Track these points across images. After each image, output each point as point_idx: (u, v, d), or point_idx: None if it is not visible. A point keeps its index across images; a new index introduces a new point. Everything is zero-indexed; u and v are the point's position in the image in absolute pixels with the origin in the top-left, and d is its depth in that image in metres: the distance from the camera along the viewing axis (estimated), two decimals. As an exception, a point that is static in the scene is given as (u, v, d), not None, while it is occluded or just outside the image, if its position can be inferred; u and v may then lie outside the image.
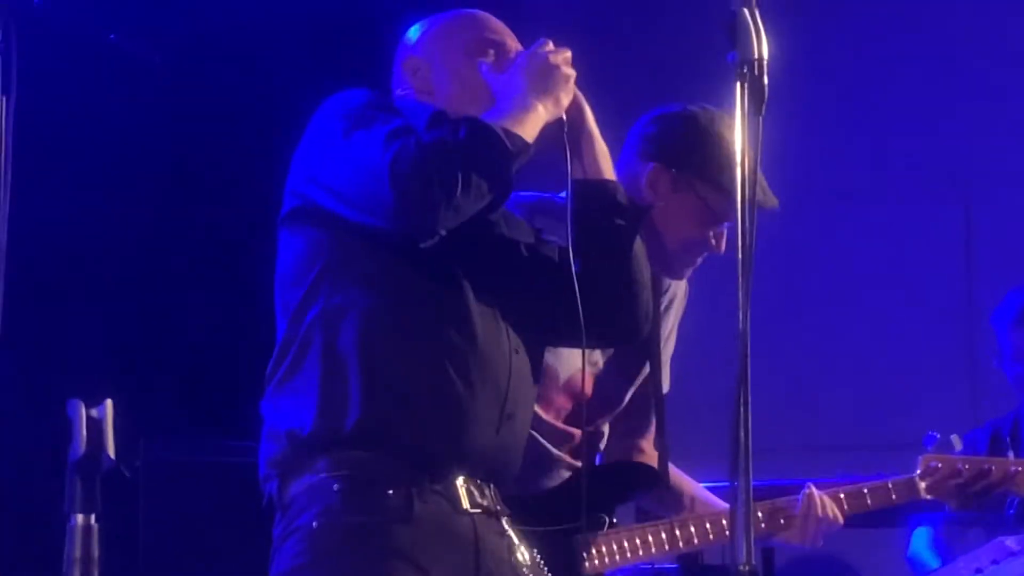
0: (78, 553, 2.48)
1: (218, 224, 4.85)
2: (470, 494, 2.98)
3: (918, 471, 3.65)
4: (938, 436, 3.68)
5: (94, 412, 2.49)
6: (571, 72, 3.07)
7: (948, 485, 3.66)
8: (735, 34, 2.49)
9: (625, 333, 3.26)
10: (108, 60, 3.81)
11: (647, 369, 3.61)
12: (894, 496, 3.66)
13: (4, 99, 2.74)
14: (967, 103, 6.07)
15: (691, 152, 3.52)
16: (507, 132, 2.88)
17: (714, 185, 3.52)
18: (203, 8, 5.39)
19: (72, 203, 4.66)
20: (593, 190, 3.12)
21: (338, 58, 5.33)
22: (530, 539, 3.18)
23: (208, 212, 5.11)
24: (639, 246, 3.14)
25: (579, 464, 3.48)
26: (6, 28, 2.85)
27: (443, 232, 2.88)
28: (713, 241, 3.60)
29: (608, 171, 3.18)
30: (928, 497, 3.68)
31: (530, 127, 2.95)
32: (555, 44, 3.08)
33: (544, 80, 3.01)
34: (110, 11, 4.28)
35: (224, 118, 5.32)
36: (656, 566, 4.08)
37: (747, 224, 2.46)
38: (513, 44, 3.19)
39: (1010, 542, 3.84)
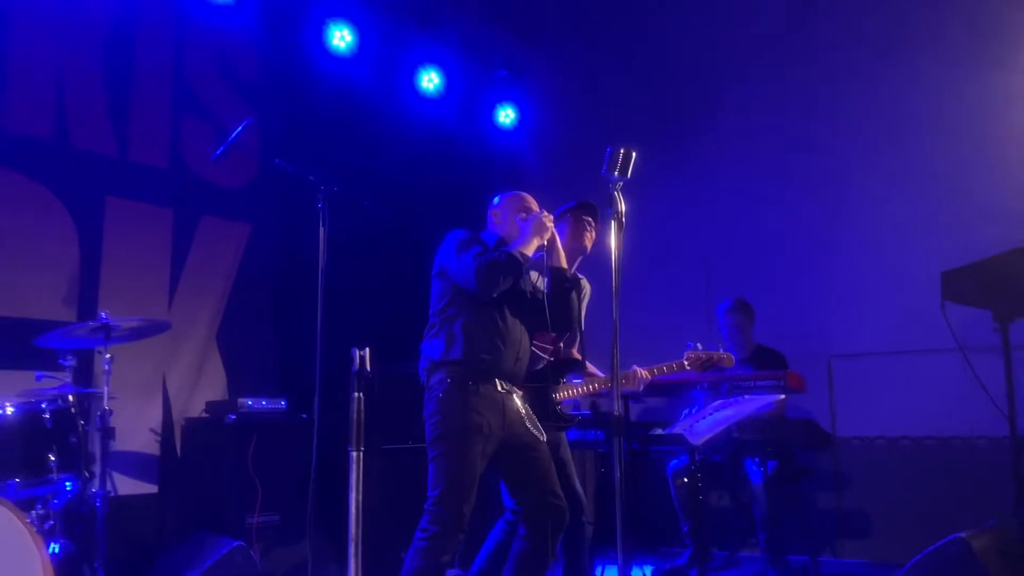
0: (358, 407, 2.62)
1: (414, 272, 4.08)
2: (503, 385, 3.00)
3: (684, 359, 3.62)
4: (692, 345, 3.67)
5: (362, 352, 2.62)
6: (550, 225, 3.05)
7: (697, 363, 3.62)
8: (611, 201, 2.62)
9: (565, 327, 3.25)
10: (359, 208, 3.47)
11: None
12: (675, 367, 3.60)
13: (323, 229, 2.97)
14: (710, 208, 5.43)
15: (580, 212, 3.48)
16: (521, 253, 2.96)
17: (587, 222, 3.49)
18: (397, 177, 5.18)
19: (350, 258, 4.23)
20: (556, 272, 3.11)
21: (460, 206, 5.16)
22: (529, 394, 3.10)
23: (407, 265, 4.80)
24: (572, 294, 3.15)
25: (551, 359, 3.40)
26: (326, 199, 3.03)
27: (496, 294, 2.96)
28: (586, 243, 3.49)
29: (563, 263, 3.13)
30: (689, 368, 3.61)
31: (530, 250, 3.00)
32: (547, 211, 3.10)
33: (539, 228, 3.03)
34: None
35: (408, 227, 5.10)
36: (580, 411, 3.99)
37: (617, 272, 2.58)
38: (535, 207, 3.14)
39: (728, 403, 3.93)
